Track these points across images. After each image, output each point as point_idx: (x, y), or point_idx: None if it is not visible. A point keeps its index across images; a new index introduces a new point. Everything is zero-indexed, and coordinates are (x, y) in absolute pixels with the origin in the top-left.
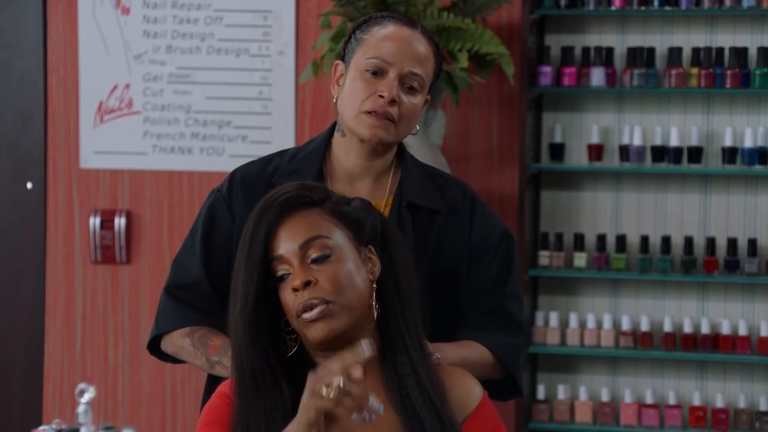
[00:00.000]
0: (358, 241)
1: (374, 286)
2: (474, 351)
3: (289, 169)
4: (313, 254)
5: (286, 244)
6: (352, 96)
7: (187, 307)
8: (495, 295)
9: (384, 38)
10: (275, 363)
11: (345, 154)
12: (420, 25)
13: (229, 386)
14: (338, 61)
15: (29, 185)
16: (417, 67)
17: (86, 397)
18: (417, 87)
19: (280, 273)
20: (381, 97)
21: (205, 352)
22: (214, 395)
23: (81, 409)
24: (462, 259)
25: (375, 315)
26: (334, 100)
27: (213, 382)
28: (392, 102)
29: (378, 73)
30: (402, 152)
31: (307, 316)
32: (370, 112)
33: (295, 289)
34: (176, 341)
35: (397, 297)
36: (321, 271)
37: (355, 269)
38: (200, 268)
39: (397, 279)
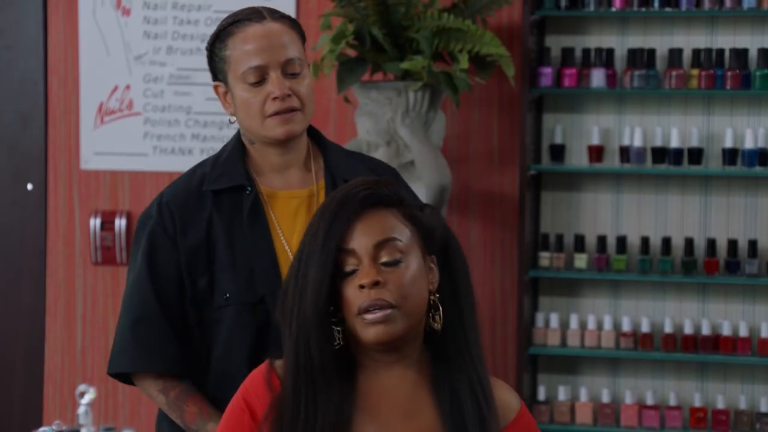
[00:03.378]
0: (427, 250)
1: (432, 297)
2: None
3: (215, 174)
4: (385, 257)
5: (361, 240)
6: (249, 109)
7: (145, 347)
8: None
9: (244, 46)
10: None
11: (262, 158)
12: (266, 11)
13: (247, 396)
14: (216, 83)
15: (30, 186)
16: (288, 53)
17: (87, 398)
18: (297, 68)
19: (349, 268)
20: (276, 98)
21: (181, 416)
22: (234, 406)
23: (81, 410)
24: None
25: (430, 325)
26: (232, 121)
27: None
28: (287, 96)
29: (260, 80)
30: (316, 136)
31: (369, 317)
32: (273, 115)
33: (362, 287)
34: (150, 391)
35: (456, 309)
36: (390, 274)
37: (419, 277)
38: (153, 300)
39: (458, 291)
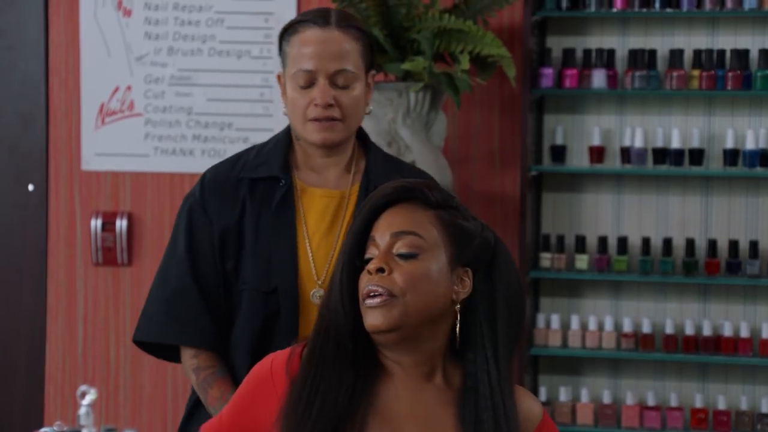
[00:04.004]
0: (457, 258)
1: (456, 308)
2: None
3: (255, 162)
4: (401, 248)
5: (383, 229)
6: (294, 108)
7: (180, 320)
8: None
9: (301, 48)
10: (351, 342)
11: (305, 154)
12: (334, 16)
13: (273, 368)
14: (278, 73)
15: (31, 187)
16: (340, 64)
17: (88, 399)
18: (349, 81)
19: (368, 255)
20: (317, 105)
21: (205, 398)
22: (261, 370)
23: (82, 410)
24: None
25: (445, 334)
26: (285, 113)
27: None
28: (329, 106)
29: (309, 84)
30: (365, 140)
31: (369, 302)
32: (313, 120)
33: (369, 272)
34: (186, 368)
35: (487, 329)
36: (401, 266)
37: (436, 278)
38: (190, 276)
39: (493, 313)
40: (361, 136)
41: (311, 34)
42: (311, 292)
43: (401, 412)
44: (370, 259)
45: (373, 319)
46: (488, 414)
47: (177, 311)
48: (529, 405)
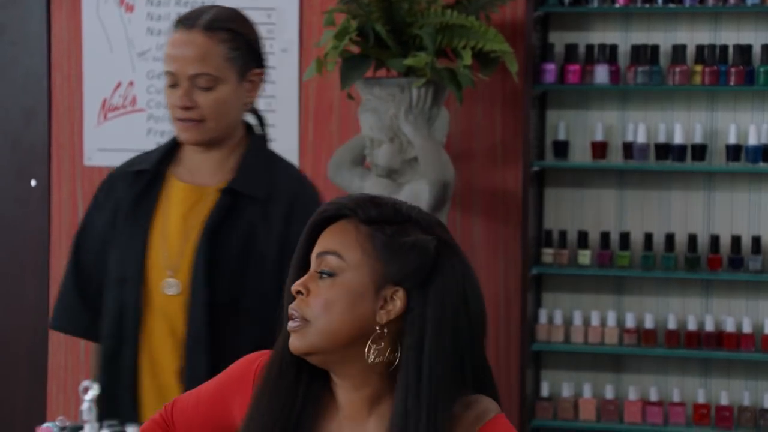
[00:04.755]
0: (384, 278)
1: (377, 329)
2: None
3: (141, 158)
4: (321, 269)
5: (315, 249)
6: (168, 107)
7: (57, 308)
8: None
9: (167, 49)
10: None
11: (183, 150)
12: (204, 18)
13: (253, 367)
14: None
15: (33, 182)
16: (200, 68)
17: (90, 395)
18: (211, 84)
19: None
20: (176, 106)
21: None
22: (244, 363)
23: (85, 406)
24: (271, 249)
25: (372, 359)
26: None
27: None
28: (187, 108)
29: (173, 84)
30: (253, 143)
31: (289, 325)
32: (177, 120)
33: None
34: None
35: (412, 355)
36: (318, 288)
37: (352, 301)
38: (72, 267)
39: (420, 336)
40: (253, 137)
41: (176, 36)
42: (161, 283)
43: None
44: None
45: (291, 342)
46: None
47: (57, 298)
48: (467, 423)
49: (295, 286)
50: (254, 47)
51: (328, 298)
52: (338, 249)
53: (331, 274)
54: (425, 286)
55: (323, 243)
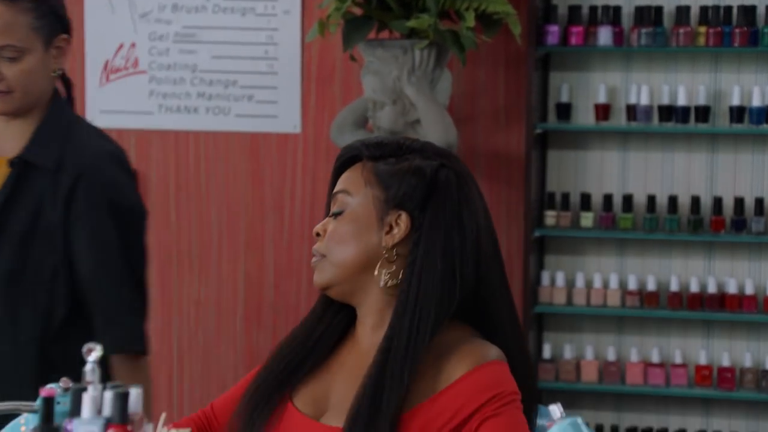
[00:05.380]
0: (386, 203)
1: (385, 253)
2: None
3: None
4: (334, 207)
5: (334, 190)
6: None
7: None
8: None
9: None
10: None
11: None
12: None
13: None
14: None
15: None
16: (3, 39)
17: (93, 356)
18: (17, 54)
19: None
20: None
21: None
22: None
23: (88, 367)
24: (57, 221)
25: (384, 282)
26: None
27: None
28: None
29: None
30: (56, 114)
31: (312, 263)
32: None
33: None
34: None
35: (412, 271)
36: (330, 226)
37: (359, 230)
38: None
39: (418, 254)
40: (58, 107)
41: None
42: None
43: (344, 365)
44: None
45: (314, 278)
46: (382, 355)
47: None
48: (448, 370)
49: (315, 229)
50: (59, 13)
51: (337, 231)
52: (346, 187)
53: (340, 212)
54: (425, 208)
55: (337, 186)
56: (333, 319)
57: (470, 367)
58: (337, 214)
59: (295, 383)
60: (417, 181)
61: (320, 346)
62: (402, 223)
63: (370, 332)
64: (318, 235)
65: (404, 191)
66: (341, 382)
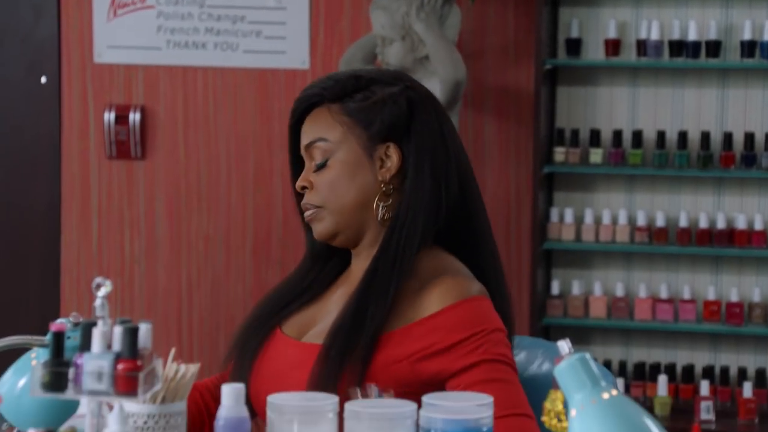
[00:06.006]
0: (371, 139)
1: (383, 186)
2: None
3: None
4: (316, 158)
5: (302, 140)
6: None
7: None
8: None
9: None
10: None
11: None
12: None
13: None
14: None
15: (43, 79)
16: None
17: (103, 291)
18: None
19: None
20: None
21: None
22: None
23: (98, 302)
24: None
25: (381, 216)
26: None
27: None
28: None
29: None
30: None
31: (305, 215)
32: None
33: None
34: None
35: (405, 195)
36: (319, 176)
37: (352, 173)
38: None
39: (411, 178)
40: None
41: None
42: None
43: (333, 295)
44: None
45: (314, 231)
46: (370, 275)
47: None
48: (431, 299)
49: (298, 184)
50: None
51: (329, 180)
52: (320, 134)
53: (324, 162)
54: (409, 132)
55: (305, 136)
56: (323, 269)
57: (453, 300)
58: (321, 165)
59: (287, 315)
60: (395, 109)
61: (313, 287)
62: (393, 154)
63: (363, 264)
64: (304, 188)
65: (387, 123)
66: (328, 310)
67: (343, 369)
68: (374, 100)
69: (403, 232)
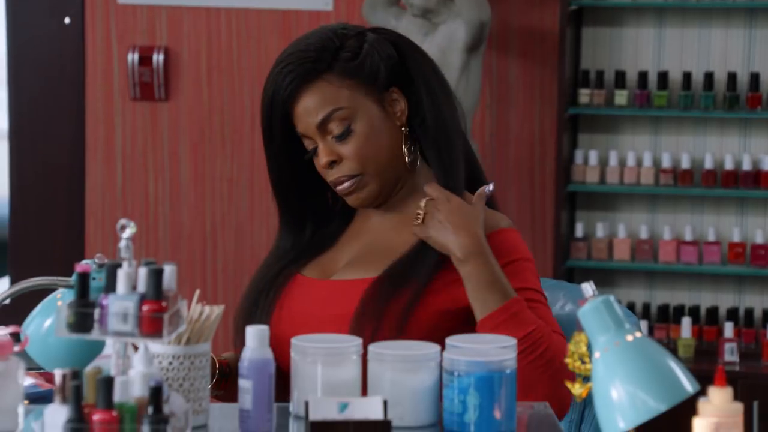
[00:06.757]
0: (377, 90)
1: (403, 130)
2: None
3: None
4: (335, 130)
5: (304, 122)
6: None
7: None
8: None
9: None
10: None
11: None
12: None
13: None
14: None
15: (67, 20)
16: None
17: (127, 233)
18: None
19: (310, 148)
20: None
21: None
22: None
23: (122, 244)
24: None
25: (411, 159)
26: None
27: None
28: None
29: None
30: None
31: (340, 189)
32: None
33: (323, 168)
34: None
35: (425, 126)
36: (345, 147)
37: (377, 129)
38: None
39: (422, 106)
40: None
41: None
42: None
43: (353, 238)
44: (313, 150)
45: (353, 201)
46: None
47: None
48: (496, 218)
49: (325, 160)
50: None
51: (359, 145)
52: (332, 105)
53: (347, 128)
54: (405, 71)
55: (314, 113)
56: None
57: (486, 232)
58: (346, 133)
59: (303, 262)
60: (383, 55)
61: (327, 234)
62: (399, 97)
63: (387, 205)
64: (333, 162)
65: (384, 71)
66: (351, 250)
67: (408, 281)
68: (363, 53)
69: (444, 156)
